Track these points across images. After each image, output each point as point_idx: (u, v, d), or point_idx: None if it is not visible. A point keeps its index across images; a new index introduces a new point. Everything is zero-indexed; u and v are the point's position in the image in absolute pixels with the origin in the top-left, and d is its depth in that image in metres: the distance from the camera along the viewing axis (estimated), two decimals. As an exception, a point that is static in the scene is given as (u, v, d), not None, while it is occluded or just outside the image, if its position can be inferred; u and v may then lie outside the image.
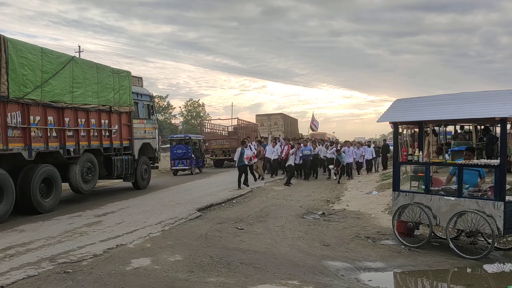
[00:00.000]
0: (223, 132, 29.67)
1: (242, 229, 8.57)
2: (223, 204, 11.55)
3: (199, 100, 60.83)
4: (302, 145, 19.05)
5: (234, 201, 12.17)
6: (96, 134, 11.95)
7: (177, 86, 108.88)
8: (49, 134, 10.14)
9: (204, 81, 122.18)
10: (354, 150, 20.96)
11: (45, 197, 10.08)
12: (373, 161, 22.71)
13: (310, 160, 19.03)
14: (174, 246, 6.99)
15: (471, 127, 15.36)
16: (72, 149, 10.98)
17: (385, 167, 22.75)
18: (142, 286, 4.98)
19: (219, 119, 39.75)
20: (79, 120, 11.21)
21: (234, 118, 31.96)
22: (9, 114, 8.98)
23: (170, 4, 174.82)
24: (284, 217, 9.90)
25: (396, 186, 7.89)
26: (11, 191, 9.02)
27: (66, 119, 10.73)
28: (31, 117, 9.58)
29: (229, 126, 30.25)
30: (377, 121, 7.92)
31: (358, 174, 21.58)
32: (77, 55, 29.81)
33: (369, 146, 22.99)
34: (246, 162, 15.13)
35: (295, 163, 17.89)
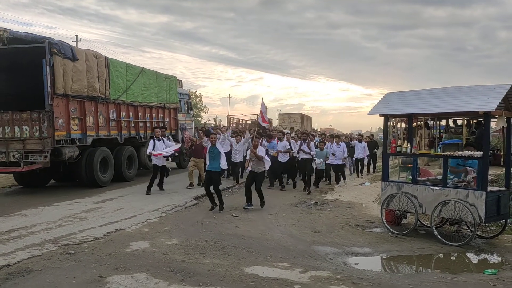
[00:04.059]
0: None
1: (237, 216, 8.88)
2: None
3: (196, 91, 61.11)
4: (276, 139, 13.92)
5: (229, 191, 12.47)
6: (156, 125, 15.06)
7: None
8: (132, 125, 14.22)
9: (201, 72, 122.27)
10: (332, 147, 14.85)
11: (128, 170, 13.93)
12: (366, 160, 17.86)
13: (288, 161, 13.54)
14: (171, 231, 7.30)
15: (463, 122, 15.67)
16: (142, 136, 14.78)
17: (357, 172, 17.40)
18: (142, 266, 5.28)
19: (242, 114, 41.86)
20: (146, 114, 15.08)
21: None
22: (109, 111, 12.94)
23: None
24: (278, 206, 10.21)
25: (385, 176, 8.21)
26: (112, 164, 12.92)
27: (139, 114, 14.63)
28: (121, 113, 13.56)
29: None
30: (368, 114, 8.21)
31: (337, 182, 14.79)
32: (74, 44, 29.96)
33: (360, 141, 17.46)
34: (154, 160, 11.59)
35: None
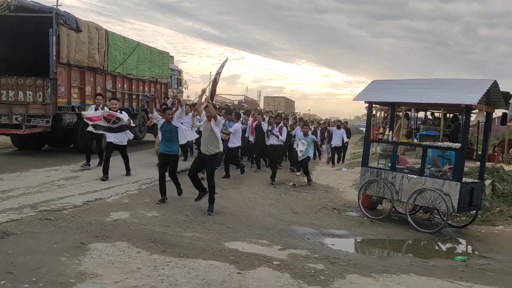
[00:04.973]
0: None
1: (217, 193, 8.87)
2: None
3: (177, 66, 60.07)
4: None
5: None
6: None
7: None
8: (126, 97, 14.55)
9: (182, 47, 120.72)
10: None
11: None
12: (342, 149, 16.61)
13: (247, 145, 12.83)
14: (151, 204, 7.30)
15: (440, 114, 16.02)
16: (134, 108, 15.04)
17: (333, 161, 16.32)
18: (123, 235, 5.29)
19: (230, 94, 44.26)
20: (139, 87, 15.54)
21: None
22: (106, 82, 13.39)
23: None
24: (257, 186, 10.31)
25: (365, 162, 8.39)
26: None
27: (133, 87, 15.07)
28: (117, 84, 14.00)
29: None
30: (354, 100, 8.33)
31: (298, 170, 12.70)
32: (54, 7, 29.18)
33: (339, 128, 16.29)
34: (109, 137, 9.23)
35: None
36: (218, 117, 7.55)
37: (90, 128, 9.57)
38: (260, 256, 4.99)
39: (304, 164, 11.16)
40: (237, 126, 11.27)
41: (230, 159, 11.12)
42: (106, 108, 9.81)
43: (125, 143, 9.47)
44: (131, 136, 9.67)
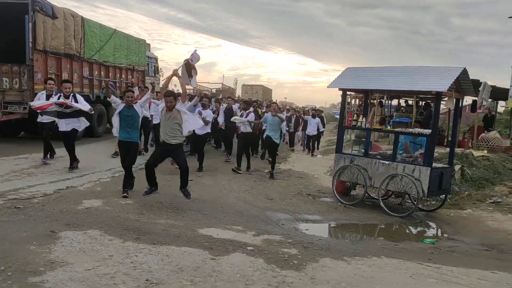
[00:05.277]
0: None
1: (192, 180, 8.83)
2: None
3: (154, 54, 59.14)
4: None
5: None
6: (124, 86, 15.59)
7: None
8: (103, 84, 14.05)
9: (157, 34, 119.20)
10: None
11: (98, 126, 14.26)
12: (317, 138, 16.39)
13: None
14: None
15: (413, 102, 16.33)
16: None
17: (309, 148, 15.97)
18: (95, 223, 5.21)
19: (208, 82, 42.81)
20: (116, 75, 15.56)
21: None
22: (83, 69, 13.44)
23: None
24: (232, 173, 10.30)
25: (339, 149, 8.49)
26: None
27: (110, 74, 15.05)
28: (94, 72, 14.02)
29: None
30: (328, 87, 8.38)
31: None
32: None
33: (314, 116, 15.98)
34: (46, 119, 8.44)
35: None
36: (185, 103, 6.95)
37: (40, 119, 8.46)
38: (234, 242, 5.01)
39: (272, 151, 10.72)
40: (208, 112, 10.98)
41: (198, 146, 10.80)
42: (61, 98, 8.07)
43: (79, 129, 8.47)
44: (87, 124, 8.63)
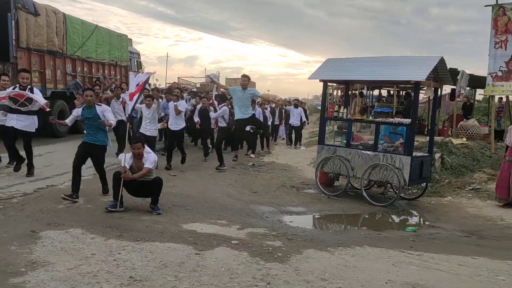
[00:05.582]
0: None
1: (175, 175, 8.85)
2: (156, 153, 11.63)
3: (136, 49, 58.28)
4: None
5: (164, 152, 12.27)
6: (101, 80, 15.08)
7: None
8: (87, 80, 14.43)
9: (137, 27, 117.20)
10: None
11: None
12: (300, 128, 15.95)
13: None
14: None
15: (393, 92, 16.54)
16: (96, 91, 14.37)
17: (291, 140, 15.89)
18: (76, 221, 5.15)
19: (192, 77, 42.81)
20: (99, 70, 15.52)
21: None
22: (66, 66, 13.53)
23: None
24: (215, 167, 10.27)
25: (321, 140, 8.54)
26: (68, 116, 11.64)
27: (93, 70, 15.13)
28: (77, 68, 14.15)
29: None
30: (308, 78, 8.39)
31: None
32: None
33: (296, 106, 15.62)
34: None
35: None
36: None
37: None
38: (219, 236, 5.01)
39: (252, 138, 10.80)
40: (181, 102, 9.99)
41: (177, 143, 10.04)
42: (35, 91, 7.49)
43: (32, 130, 7.44)
44: (38, 122, 7.61)
